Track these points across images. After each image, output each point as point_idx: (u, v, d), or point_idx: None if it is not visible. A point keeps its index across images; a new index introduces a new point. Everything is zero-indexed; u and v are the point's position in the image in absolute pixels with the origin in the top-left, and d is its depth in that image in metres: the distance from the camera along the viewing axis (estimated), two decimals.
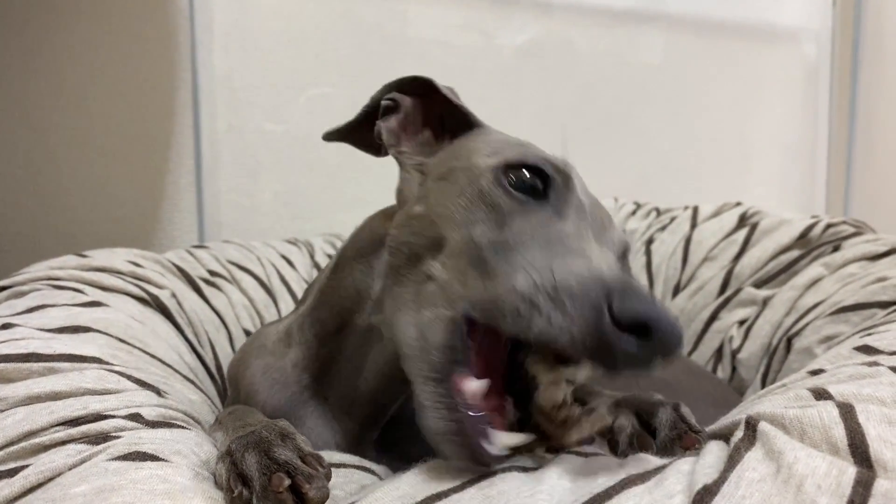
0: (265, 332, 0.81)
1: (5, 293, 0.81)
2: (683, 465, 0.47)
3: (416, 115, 0.73)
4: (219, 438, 0.60)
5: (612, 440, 0.59)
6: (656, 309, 0.46)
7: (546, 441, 0.53)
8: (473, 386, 0.50)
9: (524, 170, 0.58)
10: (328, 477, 0.48)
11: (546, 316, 0.47)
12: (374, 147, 0.74)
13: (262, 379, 0.74)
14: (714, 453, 0.48)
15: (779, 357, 1.00)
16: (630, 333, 0.45)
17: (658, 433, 0.57)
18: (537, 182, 0.58)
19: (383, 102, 0.72)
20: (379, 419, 0.72)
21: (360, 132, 0.75)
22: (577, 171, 0.64)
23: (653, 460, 0.48)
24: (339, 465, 0.56)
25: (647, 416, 0.59)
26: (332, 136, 0.78)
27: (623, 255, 0.63)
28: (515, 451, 0.51)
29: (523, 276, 0.49)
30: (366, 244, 0.71)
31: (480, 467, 0.48)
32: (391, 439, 0.72)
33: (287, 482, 0.45)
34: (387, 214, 0.72)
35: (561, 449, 0.53)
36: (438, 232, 0.58)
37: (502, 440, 0.50)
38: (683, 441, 0.55)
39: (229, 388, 0.82)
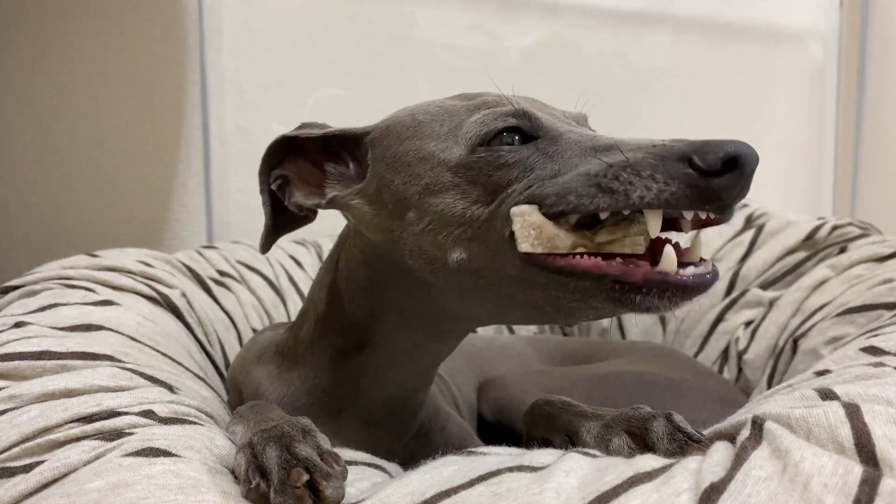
0: (262, 343, 0.81)
1: (18, 292, 0.82)
2: (691, 463, 0.47)
3: (307, 168, 0.71)
4: (238, 431, 0.60)
5: None
6: (733, 143, 0.50)
7: None
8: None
9: (501, 135, 0.59)
10: (345, 476, 0.48)
11: (644, 183, 0.51)
12: (301, 219, 0.74)
13: (269, 384, 0.75)
14: (721, 452, 0.48)
15: (785, 358, 1.00)
16: (721, 174, 0.49)
17: (657, 448, 0.56)
18: (514, 140, 0.59)
19: (273, 187, 0.71)
20: (400, 430, 0.73)
21: (286, 221, 0.74)
22: (500, 95, 0.65)
23: (660, 458, 0.48)
24: (351, 462, 0.56)
25: (641, 433, 0.59)
26: (266, 246, 0.76)
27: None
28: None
29: (591, 165, 0.54)
30: (360, 276, 0.70)
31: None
32: (409, 454, 0.72)
33: (305, 477, 0.46)
34: (360, 244, 0.70)
35: None
36: (450, 234, 0.59)
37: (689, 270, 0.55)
38: (686, 452, 0.54)
39: (231, 392, 0.82)
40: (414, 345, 0.70)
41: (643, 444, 0.58)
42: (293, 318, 1.12)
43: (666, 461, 0.47)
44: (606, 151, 0.55)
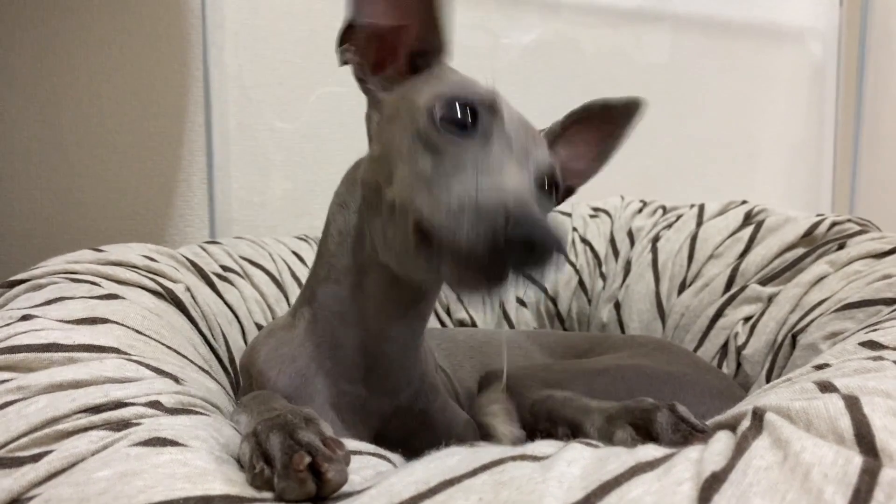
0: (275, 321, 0.85)
1: (23, 286, 0.83)
2: (692, 453, 0.47)
3: (384, 44, 0.73)
4: (243, 421, 0.61)
5: None
6: (541, 229, 0.52)
7: None
8: None
9: (455, 105, 0.64)
10: (347, 461, 0.49)
11: (465, 233, 0.53)
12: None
13: (272, 357, 0.77)
14: (722, 441, 0.48)
15: (784, 354, 1.00)
16: (520, 251, 0.51)
17: (661, 439, 0.56)
18: (466, 116, 0.64)
19: (359, 22, 0.72)
20: (382, 381, 0.76)
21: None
22: (508, 102, 0.70)
23: (661, 448, 0.48)
24: (356, 452, 0.56)
25: (645, 424, 0.59)
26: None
27: (548, 174, 0.71)
28: None
29: (444, 199, 0.57)
30: (343, 190, 0.80)
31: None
32: (400, 436, 0.73)
33: (307, 460, 0.46)
34: (358, 162, 0.80)
35: None
36: (390, 166, 0.65)
37: None
38: (690, 443, 0.54)
39: (242, 378, 0.83)
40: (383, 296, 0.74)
41: (647, 435, 0.58)
42: None
43: (667, 451, 0.48)
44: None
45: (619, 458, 0.47)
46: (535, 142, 0.72)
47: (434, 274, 0.59)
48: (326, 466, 0.46)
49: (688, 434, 0.56)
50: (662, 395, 0.84)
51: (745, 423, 0.50)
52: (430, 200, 0.59)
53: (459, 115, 0.64)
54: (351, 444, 0.59)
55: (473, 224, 0.53)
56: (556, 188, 0.74)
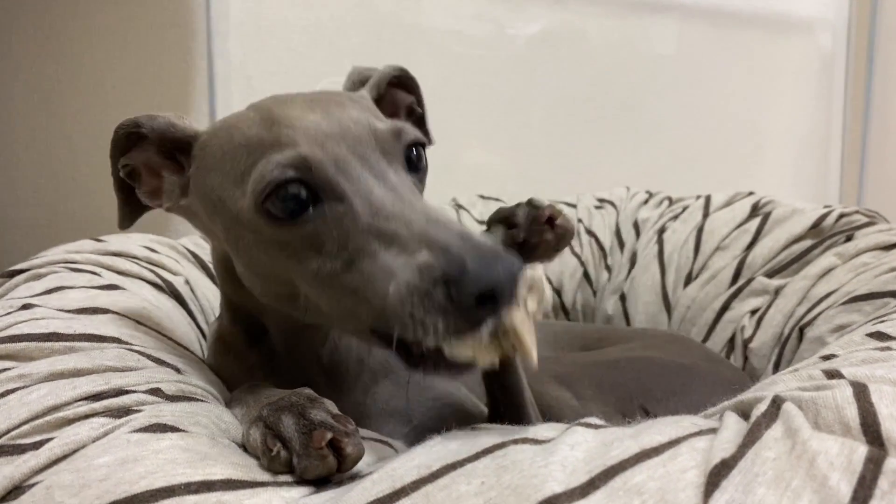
0: (210, 334, 0.82)
1: (23, 276, 0.83)
2: (699, 442, 0.47)
3: (151, 163, 0.68)
4: (239, 413, 0.61)
5: None
6: (489, 274, 0.48)
7: None
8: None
9: (277, 193, 0.55)
10: (357, 433, 0.49)
11: (414, 325, 0.49)
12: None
13: (226, 374, 0.74)
14: (731, 429, 0.48)
15: (791, 346, 1.00)
16: (479, 304, 0.48)
17: (519, 230, 0.62)
18: (297, 190, 0.55)
19: (122, 174, 0.69)
20: (341, 382, 0.73)
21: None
22: (292, 119, 0.57)
23: (667, 432, 0.48)
24: None
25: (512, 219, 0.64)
26: (125, 223, 0.74)
27: (404, 141, 0.61)
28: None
29: (375, 300, 0.52)
30: (228, 277, 0.69)
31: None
32: (392, 407, 0.72)
33: (329, 436, 0.47)
34: (217, 248, 0.71)
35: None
36: (278, 278, 0.59)
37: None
38: (538, 216, 0.62)
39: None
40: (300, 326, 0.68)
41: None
42: None
43: (672, 436, 0.47)
44: (401, 245, 0.52)
45: (622, 443, 0.47)
46: (355, 125, 0.59)
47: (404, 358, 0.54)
48: (346, 441, 0.47)
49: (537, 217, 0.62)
50: (673, 386, 0.84)
51: (762, 408, 0.50)
52: (366, 306, 0.53)
53: (293, 196, 0.55)
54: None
55: (428, 309, 0.49)
56: (420, 145, 0.63)
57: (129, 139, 0.67)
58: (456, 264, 0.48)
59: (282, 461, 0.48)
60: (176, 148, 0.66)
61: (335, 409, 0.52)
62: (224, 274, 0.71)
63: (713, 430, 0.49)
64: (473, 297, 0.47)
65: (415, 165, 0.62)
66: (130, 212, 0.72)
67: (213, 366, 0.76)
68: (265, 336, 0.71)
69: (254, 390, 0.65)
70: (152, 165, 0.67)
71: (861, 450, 0.44)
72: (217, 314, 0.96)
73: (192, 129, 0.65)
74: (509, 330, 0.49)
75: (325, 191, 0.55)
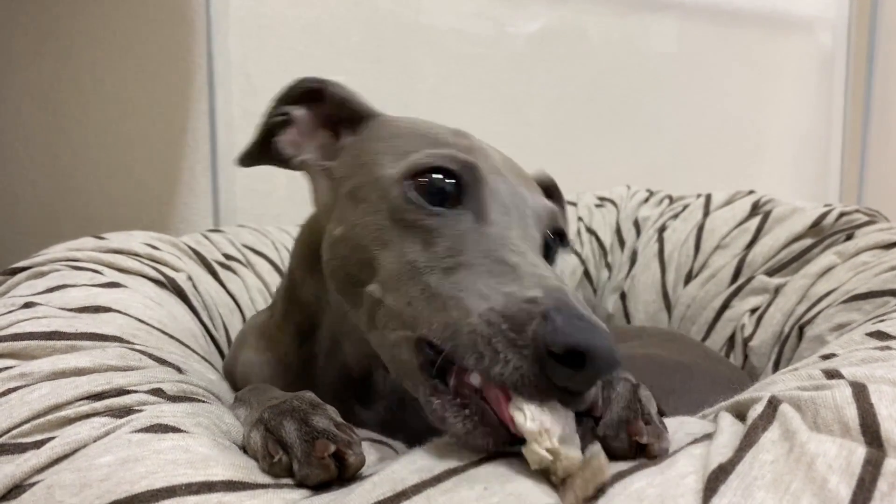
0: (249, 329, 0.83)
1: (25, 274, 0.83)
2: (696, 449, 0.47)
3: (311, 121, 0.71)
4: (241, 414, 0.61)
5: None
6: (588, 335, 0.44)
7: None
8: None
9: (429, 173, 0.56)
10: (360, 444, 0.49)
11: (490, 356, 0.45)
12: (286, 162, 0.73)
13: (251, 372, 0.76)
14: (727, 432, 0.48)
15: (790, 345, 1.00)
16: (565, 364, 0.43)
17: (611, 407, 0.51)
18: (447, 183, 0.56)
19: (277, 119, 0.71)
20: (366, 397, 0.73)
21: (271, 151, 0.73)
22: (478, 141, 0.62)
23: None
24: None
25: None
26: (245, 160, 0.76)
27: (550, 219, 0.61)
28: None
29: (463, 310, 0.48)
30: (307, 257, 0.70)
31: (484, 441, 0.46)
32: (398, 422, 0.72)
33: (332, 448, 0.46)
34: (313, 225, 0.71)
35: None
36: (367, 255, 0.56)
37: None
38: (631, 427, 0.48)
39: (227, 382, 0.82)
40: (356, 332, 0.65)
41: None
42: None
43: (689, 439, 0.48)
44: (503, 281, 0.49)
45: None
46: (528, 188, 0.62)
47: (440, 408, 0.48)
48: (349, 452, 0.47)
49: (633, 417, 0.49)
50: (673, 384, 0.84)
51: (758, 410, 0.50)
52: (435, 313, 0.50)
53: (439, 188, 0.56)
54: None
55: (512, 341, 0.45)
56: (561, 236, 0.64)
57: (305, 94, 0.70)
58: (564, 309, 0.45)
59: (283, 466, 0.48)
60: (344, 118, 0.69)
61: (338, 417, 0.52)
62: (304, 258, 0.71)
63: (709, 436, 0.49)
64: (564, 346, 0.43)
65: (549, 246, 0.62)
66: (254, 155, 0.75)
67: (234, 362, 0.77)
68: (311, 338, 0.72)
69: (257, 391, 0.65)
70: (309, 123, 0.70)
71: (860, 451, 0.44)
72: (216, 313, 0.96)
73: (371, 108, 0.69)
74: (588, 460, 0.44)
75: (471, 201, 0.56)
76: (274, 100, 0.71)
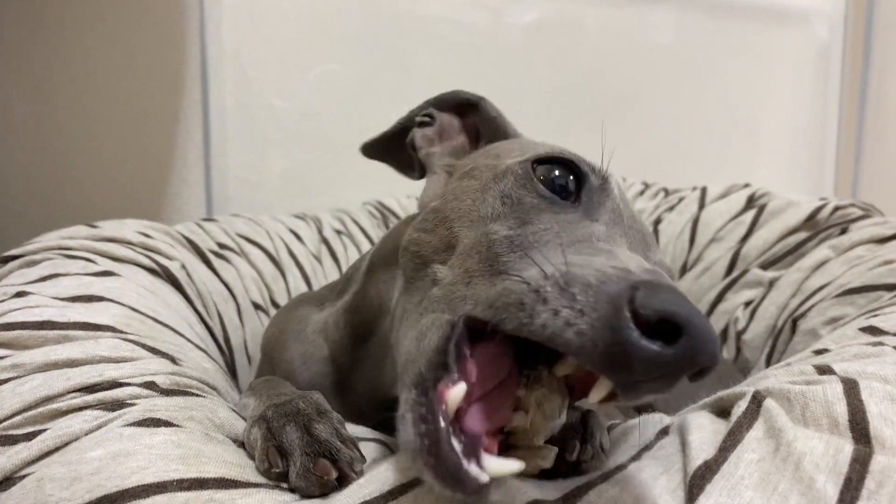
0: (303, 316, 0.79)
1: (17, 262, 0.82)
2: (659, 451, 0.48)
3: (452, 127, 0.73)
4: (251, 404, 0.61)
5: None
6: (690, 307, 0.37)
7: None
8: (455, 392, 0.41)
9: (555, 166, 0.53)
10: (363, 460, 0.49)
11: (552, 308, 0.39)
12: (412, 167, 0.74)
13: (301, 367, 0.75)
14: (707, 429, 0.48)
15: (784, 338, 1.00)
16: (653, 337, 0.36)
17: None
18: (569, 181, 0.53)
19: (419, 119, 0.72)
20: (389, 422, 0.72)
21: (396, 151, 0.75)
22: (618, 181, 0.59)
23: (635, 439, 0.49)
24: (358, 440, 0.56)
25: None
26: (369, 150, 0.78)
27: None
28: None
29: (535, 268, 0.43)
30: (389, 251, 0.66)
31: (456, 493, 0.39)
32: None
33: (335, 475, 0.46)
34: (409, 221, 0.67)
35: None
36: (452, 229, 0.52)
37: (492, 465, 0.40)
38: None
39: (262, 362, 0.82)
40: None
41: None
42: (292, 293, 1.13)
43: (641, 445, 0.48)
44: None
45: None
46: (652, 240, 0.57)
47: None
48: (351, 474, 0.46)
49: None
50: None
51: (742, 405, 0.50)
52: (508, 274, 0.44)
53: (561, 177, 0.53)
54: (352, 429, 0.59)
55: (584, 297, 0.38)
56: None
57: (461, 105, 0.73)
58: (664, 285, 0.39)
59: (279, 474, 0.47)
60: (487, 131, 0.71)
61: (343, 427, 0.51)
62: (388, 250, 0.67)
63: (665, 432, 0.49)
64: (657, 311, 0.36)
65: None
66: (380, 147, 0.77)
67: (283, 347, 0.76)
68: (366, 343, 0.70)
69: (269, 384, 0.64)
70: (452, 126, 0.73)
71: (847, 449, 0.44)
72: (210, 302, 0.96)
73: (517, 130, 0.72)
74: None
75: (589, 205, 0.53)
76: (427, 101, 0.73)
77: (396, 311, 0.59)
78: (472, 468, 0.39)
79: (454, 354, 0.43)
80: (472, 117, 0.73)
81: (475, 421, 0.42)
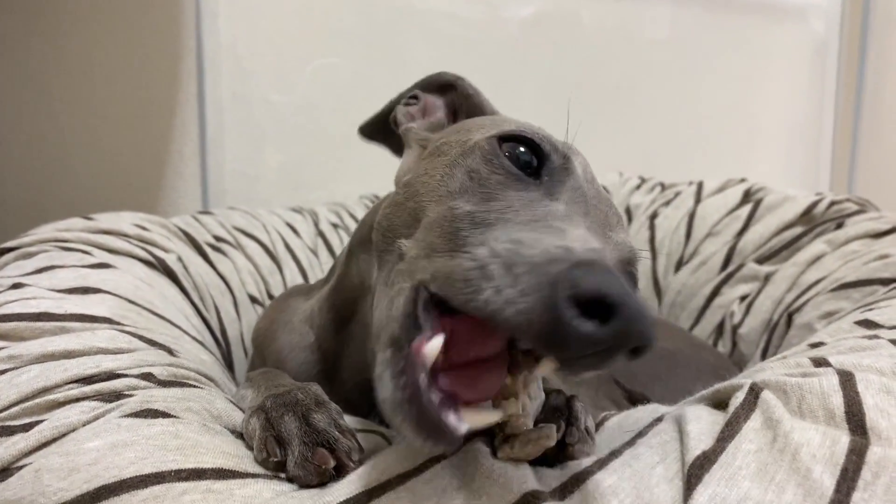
0: (292, 306, 0.81)
1: (13, 254, 0.82)
2: (653, 438, 0.48)
3: (436, 106, 0.76)
4: (249, 395, 0.61)
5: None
6: (623, 289, 0.38)
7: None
8: (432, 345, 0.42)
9: (519, 144, 0.54)
10: (361, 450, 0.49)
11: (495, 285, 0.40)
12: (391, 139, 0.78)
13: (289, 357, 0.75)
14: (704, 420, 0.48)
15: (779, 332, 1.00)
16: (591, 316, 0.38)
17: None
18: (532, 158, 0.54)
19: (405, 101, 0.76)
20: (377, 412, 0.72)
21: (390, 133, 0.78)
22: (584, 158, 0.60)
23: (633, 427, 0.49)
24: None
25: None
26: (365, 130, 0.82)
27: (627, 262, 0.55)
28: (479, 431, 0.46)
29: (486, 247, 0.44)
30: (367, 231, 0.66)
31: (436, 446, 0.40)
32: None
33: (332, 464, 0.46)
34: (384, 199, 0.68)
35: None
36: (420, 203, 0.53)
37: (470, 416, 0.42)
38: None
39: (254, 354, 0.83)
40: None
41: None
42: (289, 286, 1.13)
43: (636, 428, 0.48)
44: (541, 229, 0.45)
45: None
46: (616, 219, 0.57)
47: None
48: (349, 463, 0.47)
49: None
50: (658, 371, 0.85)
51: (740, 397, 0.50)
52: (465, 250, 0.45)
53: (524, 154, 0.53)
54: (350, 420, 0.59)
55: (526, 276, 0.39)
56: (634, 283, 0.57)
57: (444, 85, 0.76)
58: (601, 266, 0.40)
59: (276, 463, 0.47)
60: (465, 108, 0.74)
61: (340, 418, 0.51)
62: (365, 230, 0.68)
63: (659, 420, 0.49)
64: (591, 292, 0.38)
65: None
66: (375, 128, 0.81)
67: (272, 337, 0.77)
68: (348, 326, 0.70)
69: (267, 375, 0.65)
70: (436, 104, 0.76)
71: (844, 440, 0.44)
72: (206, 294, 0.96)
73: (493, 107, 0.74)
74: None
75: (551, 183, 0.53)
76: (415, 87, 0.77)
77: (374, 288, 0.59)
78: (450, 419, 0.40)
79: (424, 315, 0.44)
80: (453, 96, 0.76)
81: (455, 384, 0.43)
